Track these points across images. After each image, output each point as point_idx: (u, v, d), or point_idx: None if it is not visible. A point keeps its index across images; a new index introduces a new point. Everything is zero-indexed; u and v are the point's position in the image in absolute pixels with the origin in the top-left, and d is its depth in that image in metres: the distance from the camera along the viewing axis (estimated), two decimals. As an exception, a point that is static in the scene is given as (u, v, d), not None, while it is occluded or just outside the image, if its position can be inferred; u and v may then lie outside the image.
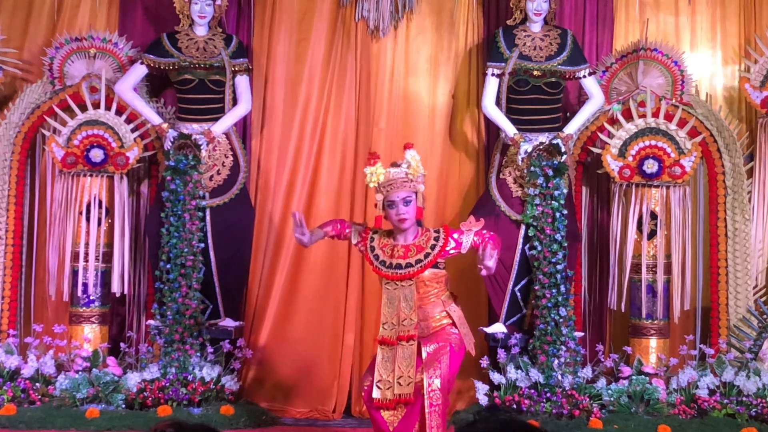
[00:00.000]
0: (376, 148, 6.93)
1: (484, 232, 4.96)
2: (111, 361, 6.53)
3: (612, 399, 6.29)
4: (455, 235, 4.96)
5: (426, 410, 4.79)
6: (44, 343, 6.58)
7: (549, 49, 6.71)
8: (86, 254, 6.72)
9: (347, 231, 5.14)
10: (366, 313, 7.02)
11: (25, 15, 7.23)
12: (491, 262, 4.81)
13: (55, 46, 6.98)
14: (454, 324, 5.00)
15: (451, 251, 4.95)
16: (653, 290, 6.68)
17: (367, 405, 5.00)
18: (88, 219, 6.75)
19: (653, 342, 6.65)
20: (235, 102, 6.81)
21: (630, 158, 6.64)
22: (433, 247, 4.92)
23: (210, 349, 6.47)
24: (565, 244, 6.47)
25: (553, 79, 6.68)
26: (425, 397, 4.79)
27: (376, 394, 4.88)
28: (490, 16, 7.13)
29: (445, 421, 4.88)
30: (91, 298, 6.75)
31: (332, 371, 6.95)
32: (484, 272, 4.86)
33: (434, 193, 6.96)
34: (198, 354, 6.43)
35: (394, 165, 4.99)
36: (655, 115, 6.71)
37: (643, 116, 6.71)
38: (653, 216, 6.69)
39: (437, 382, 4.80)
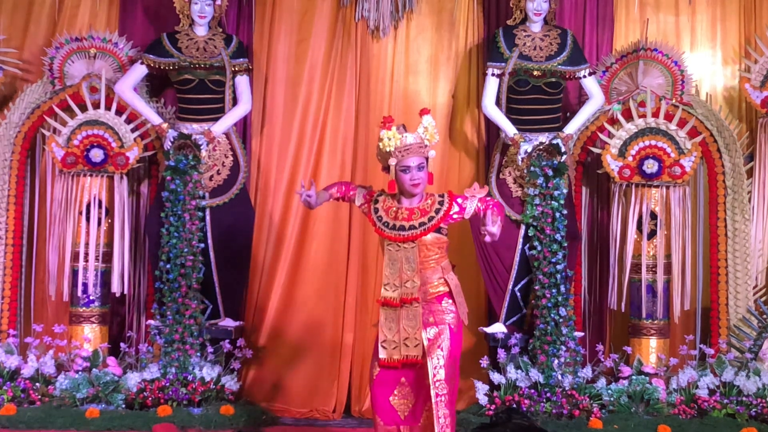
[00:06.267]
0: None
1: (488, 198, 4.96)
2: (111, 361, 6.53)
3: (612, 399, 6.30)
4: (459, 200, 4.95)
5: (432, 401, 4.78)
6: (44, 343, 6.59)
7: (549, 49, 6.71)
8: (86, 254, 6.73)
9: (351, 193, 5.15)
10: (365, 313, 7.03)
11: (25, 15, 7.23)
12: (495, 228, 4.77)
13: (55, 46, 6.98)
14: (450, 293, 4.99)
15: (455, 216, 4.93)
16: (653, 290, 6.68)
17: (375, 393, 4.95)
18: (88, 219, 6.75)
19: (653, 342, 6.65)
20: (235, 102, 6.81)
21: (630, 158, 6.65)
22: (437, 211, 4.92)
23: (210, 349, 6.48)
24: (565, 244, 6.48)
25: (553, 79, 6.68)
26: (431, 387, 4.79)
27: (382, 354, 4.87)
28: (490, 16, 7.14)
29: (453, 409, 4.86)
30: (91, 298, 6.75)
31: (332, 371, 6.96)
32: (488, 238, 4.81)
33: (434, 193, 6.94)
34: (198, 354, 6.44)
35: (404, 129, 4.96)
36: (655, 115, 6.72)
37: (643, 116, 6.71)
38: (653, 216, 6.69)
39: (442, 373, 4.80)
